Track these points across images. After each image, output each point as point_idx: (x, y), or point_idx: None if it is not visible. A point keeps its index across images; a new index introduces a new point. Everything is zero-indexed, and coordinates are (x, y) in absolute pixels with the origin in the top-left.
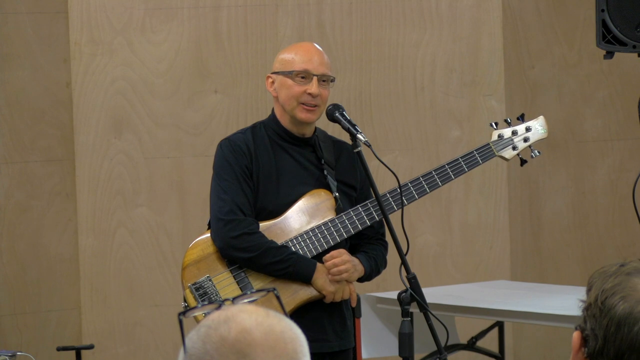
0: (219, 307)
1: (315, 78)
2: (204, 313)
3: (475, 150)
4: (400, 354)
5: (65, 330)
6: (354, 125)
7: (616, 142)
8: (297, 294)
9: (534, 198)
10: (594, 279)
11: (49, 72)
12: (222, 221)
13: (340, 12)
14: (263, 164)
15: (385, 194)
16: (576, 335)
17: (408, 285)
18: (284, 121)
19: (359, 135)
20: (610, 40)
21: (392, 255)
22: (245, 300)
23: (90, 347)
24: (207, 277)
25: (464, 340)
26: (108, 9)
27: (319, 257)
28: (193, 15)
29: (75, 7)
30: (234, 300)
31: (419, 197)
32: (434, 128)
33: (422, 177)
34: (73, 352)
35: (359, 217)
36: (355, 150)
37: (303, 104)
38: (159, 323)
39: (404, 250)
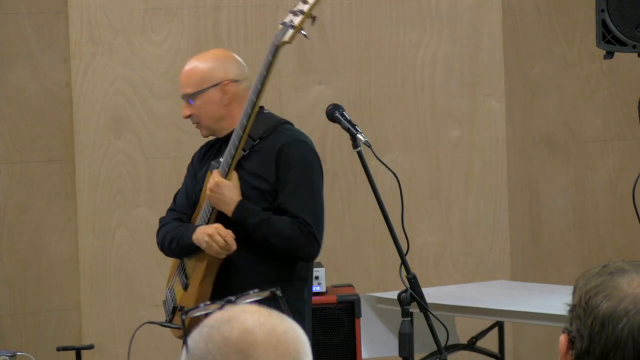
0: (221, 307)
1: (184, 101)
2: (206, 313)
3: (266, 53)
4: (400, 354)
5: (65, 330)
6: (354, 126)
7: (616, 142)
8: (199, 264)
9: (534, 198)
10: (578, 281)
11: (49, 72)
12: None
13: (340, 12)
14: (199, 166)
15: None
16: (563, 338)
17: (408, 285)
18: None
19: (359, 135)
20: (610, 40)
21: (392, 255)
22: (248, 300)
23: (90, 347)
24: (168, 289)
25: (464, 340)
26: (108, 9)
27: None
28: (193, 15)
29: (75, 7)
30: (236, 300)
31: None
32: (434, 128)
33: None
34: (73, 352)
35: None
36: (356, 150)
37: None
38: None
39: (404, 250)
